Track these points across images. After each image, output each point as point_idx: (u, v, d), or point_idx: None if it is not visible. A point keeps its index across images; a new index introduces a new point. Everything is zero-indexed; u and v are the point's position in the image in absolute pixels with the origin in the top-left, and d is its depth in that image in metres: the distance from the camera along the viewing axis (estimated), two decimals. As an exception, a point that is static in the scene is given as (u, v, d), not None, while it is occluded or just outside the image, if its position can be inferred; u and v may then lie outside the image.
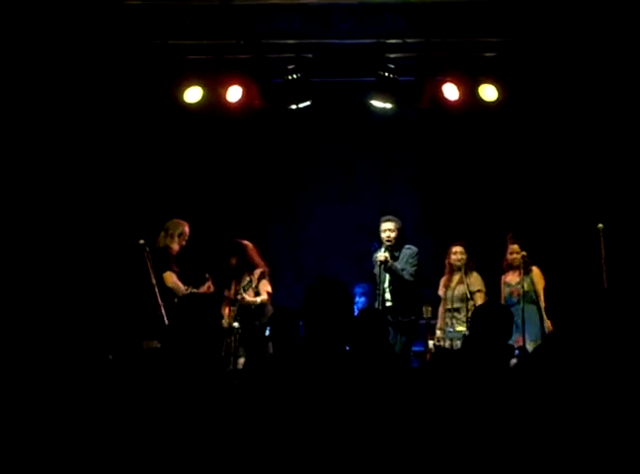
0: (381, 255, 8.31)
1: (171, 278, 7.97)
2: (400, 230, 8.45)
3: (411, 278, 8.32)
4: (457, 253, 8.51)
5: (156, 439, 3.48)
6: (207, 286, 8.11)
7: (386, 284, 8.39)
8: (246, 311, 8.23)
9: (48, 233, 8.79)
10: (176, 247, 8.17)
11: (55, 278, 8.62)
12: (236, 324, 8.07)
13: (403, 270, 8.31)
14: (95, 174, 9.23)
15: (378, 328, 5.27)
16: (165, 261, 8.02)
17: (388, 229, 8.41)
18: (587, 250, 8.29)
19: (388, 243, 8.39)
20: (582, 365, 3.81)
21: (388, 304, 8.34)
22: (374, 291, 8.61)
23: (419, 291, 8.45)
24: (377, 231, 8.51)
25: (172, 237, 8.17)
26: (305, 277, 9.66)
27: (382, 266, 8.29)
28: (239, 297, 8.17)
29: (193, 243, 8.42)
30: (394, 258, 8.36)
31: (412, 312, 8.26)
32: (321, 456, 3.23)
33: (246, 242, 8.50)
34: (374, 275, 8.50)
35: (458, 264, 8.48)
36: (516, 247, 8.44)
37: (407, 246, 8.47)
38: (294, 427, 3.29)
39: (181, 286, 7.97)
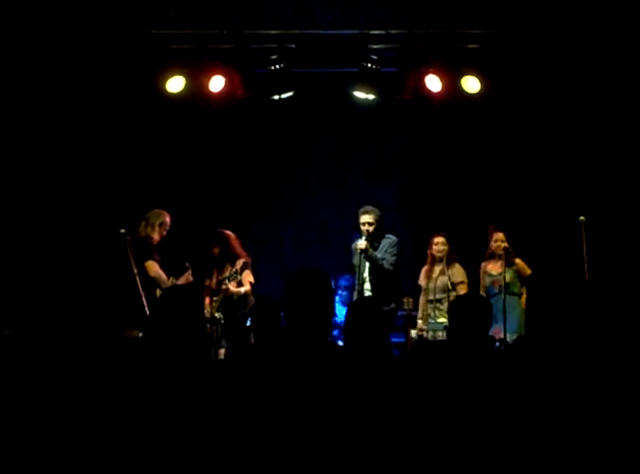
0: (361, 243, 8.27)
1: (153, 268, 7.93)
2: (379, 221, 8.42)
3: (390, 268, 8.31)
4: (439, 244, 8.50)
5: (137, 428, 3.48)
6: (187, 277, 8.08)
7: (366, 274, 8.38)
8: (228, 301, 8.21)
9: (29, 222, 8.76)
10: (156, 237, 8.13)
11: (36, 268, 8.60)
12: (218, 314, 8.05)
13: (383, 259, 8.29)
14: (76, 162, 9.20)
15: (375, 318, 5.25)
16: (146, 250, 7.97)
17: (367, 222, 8.36)
18: (568, 242, 8.32)
19: (368, 234, 8.37)
20: (563, 357, 3.83)
21: (367, 294, 8.33)
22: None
23: (398, 281, 8.44)
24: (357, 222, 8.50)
25: (153, 227, 8.13)
26: (288, 269, 9.66)
27: (362, 254, 8.27)
28: (224, 287, 8.14)
29: (173, 233, 8.39)
30: (374, 248, 8.33)
31: (391, 301, 8.24)
32: (302, 446, 3.24)
33: (229, 232, 8.46)
34: (354, 265, 8.51)
35: (440, 255, 8.47)
36: (501, 235, 8.41)
37: (387, 235, 8.45)
38: (275, 417, 3.29)
39: (163, 276, 7.94)
